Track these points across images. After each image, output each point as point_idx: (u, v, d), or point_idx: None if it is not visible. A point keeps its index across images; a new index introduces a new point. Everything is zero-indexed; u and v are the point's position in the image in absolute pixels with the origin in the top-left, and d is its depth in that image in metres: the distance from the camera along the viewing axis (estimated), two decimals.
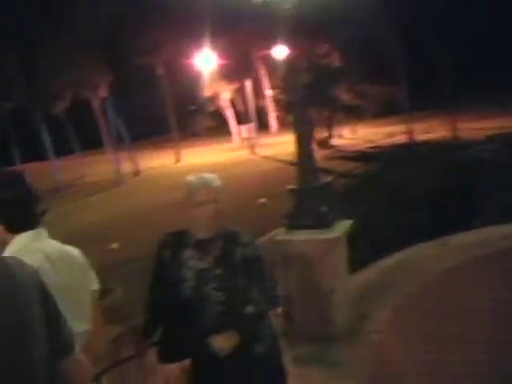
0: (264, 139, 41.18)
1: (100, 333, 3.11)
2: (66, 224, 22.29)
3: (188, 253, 3.56)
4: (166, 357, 3.73)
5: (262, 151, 36.85)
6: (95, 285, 3.05)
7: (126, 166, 35.95)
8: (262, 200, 20.18)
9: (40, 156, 42.80)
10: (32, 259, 2.48)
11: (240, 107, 46.53)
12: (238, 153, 38.52)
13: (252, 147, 38.59)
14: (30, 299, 1.81)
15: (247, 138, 40.84)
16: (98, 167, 38.34)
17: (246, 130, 42.34)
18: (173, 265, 3.57)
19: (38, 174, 39.39)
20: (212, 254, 3.55)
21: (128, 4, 33.98)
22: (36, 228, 2.68)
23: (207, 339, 3.50)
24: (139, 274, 12.49)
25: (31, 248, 2.62)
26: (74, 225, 21.89)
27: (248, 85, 44.03)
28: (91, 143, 45.40)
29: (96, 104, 39.33)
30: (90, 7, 33.34)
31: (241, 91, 44.99)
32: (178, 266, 3.55)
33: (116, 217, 21.53)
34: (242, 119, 45.23)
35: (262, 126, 46.10)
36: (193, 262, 3.54)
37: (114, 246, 16.83)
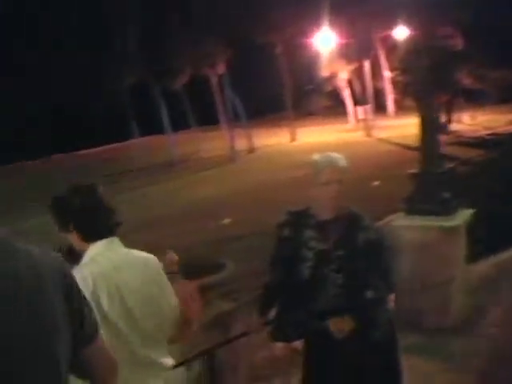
0: (380, 121, 40.45)
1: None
2: (179, 198, 22.84)
3: (309, 233, 3.50)
4: (279, 336, 3.72)
5: (378, 133, 36.25)
6: (174, 301, 3.00)
7: (241, 143, 36.25)
8: (376, 183, 19.86)
9: (158, 130, 43.96)
10: (99, 267, 2.69)
11: (357, 88, 45.87)
12: (354, 134, 38.08)
13: (368, 129, 38.05)
14: (53, 290, 1.79)
15: (363, 120, 40.28)
16: (213, 143, 38.89)
17: (363, 111, 41.76)
18: (293, 244, 3.53)
19: (155, 147, 40.65)
20: (333, 235, 3.48)
21: None
22: (109, 237, 2.79)
23: (323, 321, 3.45)
24: (250, 250, 12.65)
25: (102, 256, 2.73)
26: (186, 199, 22.31)
27: (366, 65, 43.33)
28: (207, 119, 46.08)
29: (214, 80, 39.85)
30: None
31: (359, 72, 44.31)
32: (297, 246, 3.50)
33: (229, 193, 21.76)
34: (358, 100, 44.61)
35: (379, 107, 45.28)
36: (313, 243, 3.47)
37: (226, 221, 17.04)
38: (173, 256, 3.53)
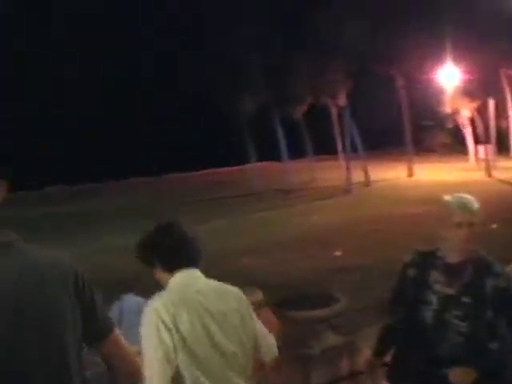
0: (503, 162, 39.11)
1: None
2: (292, 225, 22.92)
3: (435, 275, 3.38)
4: (395, 378, 3.61)
5: (500, 174, 35.03)
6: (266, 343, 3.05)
7: (357, 175, 36.05)
8: (495, 225, 19.14)
9: (274, 156, 44.48)
10: (184, 294, 2.87)
11: (479, 126, 44.61)
12: (473, 173, 36.98)
13: (488, 169, 36.84)
14: (62, 289, 1.98)
15: (484, 159, 39.05)
16: (328, 173, 38.90)
17: (484, 150, 40.49)
18: (417, 285, 3.42)
19: (271, 173, 41.11)
20: (460, 280, 3.34)
21: (375, 14, 34.07)
22: (190, 268, 2.97)
23: (443, 369, 3.30)
24: (360, 283, 12.49)
25: (184, 285, 2.92)
26: (299, 227, 22.37)
27: (491, 104, 42.09)
28: (324, 149, 46.16)
29: (333, 110, 39.91)
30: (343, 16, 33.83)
31: (482, 110, 43.11)
32: (422, 288, 3.39)
33: (342, 224, 21.63)
34: (480, 139, 43.36)
35: (502, 148, 43.82)
36: (439, 287, 3.35)
37: (337, 252, 16.91)
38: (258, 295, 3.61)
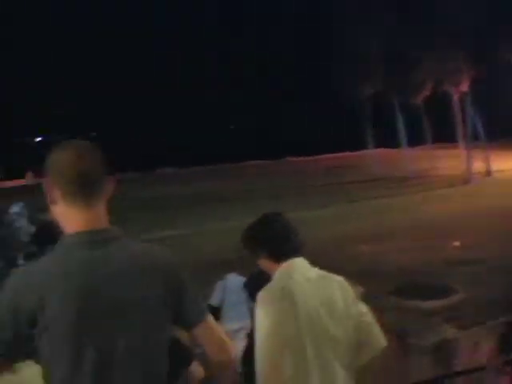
0: None
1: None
2: (410, 213, 22.81)
3: None
4: None
5: None
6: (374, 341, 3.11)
7: (478, 165, 35.14)
8: None
9: (392, 143, 44.07)
10: (291, 283, 3.01)
11: None
12: None
13: None
14: (155, 279, 2.15)
15: None
16: (448, 161, 38.09)
17: None
18: None
19: (389, 160, 40.77)
20: None
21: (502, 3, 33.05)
22: (295, 257, 3.12)
23: None
24: (477, 276, 12.48)
25: (292, 273, 3.05)
26: (417, 215, 22.22)
27: None
28: (444, 136, 45.22)
29: (455, 98, 39.07)
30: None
31: None
32: None
33: (460, 215, 21.29)
34: None
35: None
36: None
37: (455, 243, 16.86)
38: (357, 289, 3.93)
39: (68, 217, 2.18)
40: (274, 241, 3.12)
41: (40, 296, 2.01)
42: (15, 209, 17.86)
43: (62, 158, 2.17)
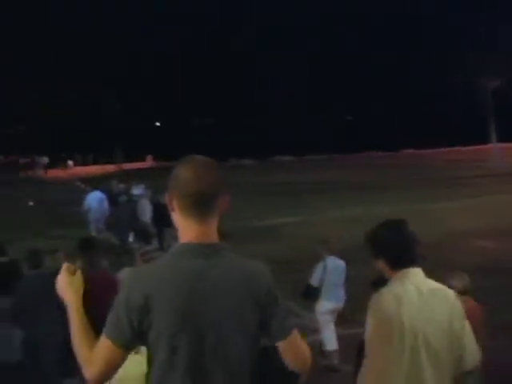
0: None
1: None
2: None
3: None
4: None
5: None
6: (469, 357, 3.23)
7: None
8: None
9: None
10: (403, 291, 3.17)
11: None
12: None
13: None
14: (252, 292, 2.37)
15: None
16: None
17: None
18: None
19: None
20: None
21: None
22: (413, 267, 3.25)
23: None
24: None
25: (405, 282, 3.21)
26: None
27: None
28: None
29: None
30: None
31: None
32: None
33: None
34: None
35: None
36: None
37: None
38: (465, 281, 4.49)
39: (183, 227, 2.45)
40: (393, 249, 3.28)
41: (147, 296, 2.29)
42: (136, 191, 18.48)
43: (182, 173, 2.42)
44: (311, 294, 8.08)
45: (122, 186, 19.47)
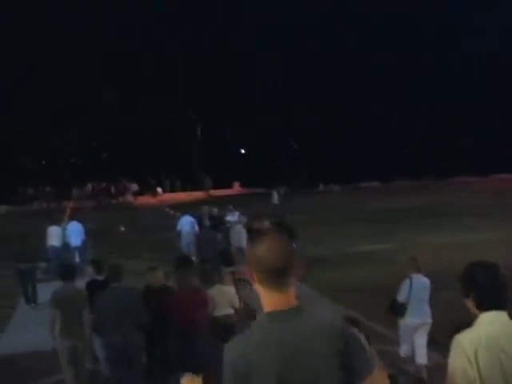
0: None
1: None
2: None
3: None
4: None
5: None
6: None
7: None
8: None
9: None
10: (490, 333, 3.18)
11: None
12: None
13: None
14: (337, 346, 2.59)
15: None
16: None
17: None
18: None
19: None
20: None
21: None
22: (499, 310, 3.27)
23: None
24: None
25: (492, 325, 3.23)
26: None
27: None
28: None
29: None
30: None
31: None
32: None
33: None
34: None
35: None
36: None
37: None
38: None
39: (265, 297, 2.75)
40: (482, 291, 3.31)
41: (246, 362, 2.61)
42: (231, 217, 18.79)
43: (258, 251, 2.73)
44: (397, 310, 8.40)
45: (215, 211, 19.83)
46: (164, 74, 61.28)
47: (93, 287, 9.16)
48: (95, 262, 10.32)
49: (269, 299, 2.73)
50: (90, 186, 51.12)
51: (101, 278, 9.49)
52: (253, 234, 15.31)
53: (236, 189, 55.33)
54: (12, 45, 58.59)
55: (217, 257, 11.60)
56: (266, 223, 15.96)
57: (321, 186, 51.57)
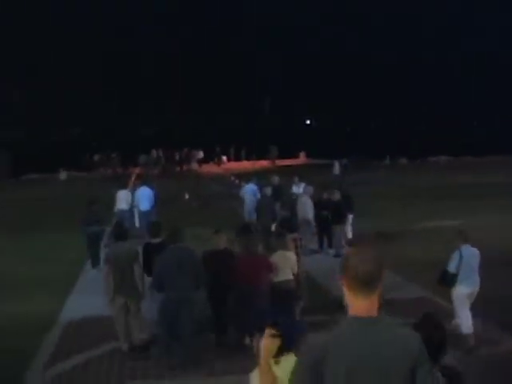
0: None
1: None
2: None
3: None
4: None
5: None
6: None
7: None
8: None
9: None
10: None
11: None
12: None
13: None
14: (408, 357, 2.90)
15: None
16: None
17: None
18: None
19: None
20: None
21: None
22: None
23: None
24: None
25: None
26: None
27: None
28: None
29: None
30: None
31: None
32: None
33: None
34: None
35: None
36: None
37: None
38: None
39: (351, 302, 3.03)
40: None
41: (322, 362, 2.89)
42: (296, 189, 18.50)
43: (349, 259, 3.02)
44: (448, 280, 8.75)
45: (276, 180, 19.52)
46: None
47: (148, 250, 9.67)
48: (154, 224, 10.57)
49: (353, 304, 3.01)
50: (154, 153, 51.33)
51: (156, 240, 9.81)
52: (321, 205, 15.24)
53: (301, 159, 54.97)
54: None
55: (279, 223, 12.28)
56: (337, 195, 15.74)
57: (387, 159, 50.62)
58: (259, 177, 20.41)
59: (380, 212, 21.69)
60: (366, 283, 2.94)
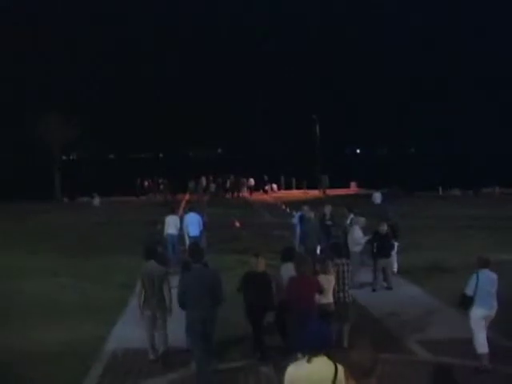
0: None
1: None
2: None
3: None
4: None
5: None
6: None
7: None
8: None
9: None
10: None
11: None
12: None
13: None
14: None
15: None
16: None
17: None
18: None
19: None
20: None
21: None
22: None
23: None
24: None
25: None
26: None
27: None
28: None
29: None
30: None
31: None
32: None
33: None
34: None
35: None
36: None
37: None
38: None
39: None
40: None
41: None
42: (347, 220, 18.16)
43: (352, 356, 4.30)
44: (466, 303, 9.20)
45: (327, 210, 19.19)
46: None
47: (184, 268, 10.40)
48: (196, 249, 10.44)
49: None
50: (204, 180, 51.61)
51: (197, 266, 10.11)
52: (376, 236, 14.93)
53: (352, 189, 54.65)
54: None
55: (328, 248, 12.53)
56: (384, 227, 15.36)
57: (440, 190, 49.88)
58: (311, 205, 20.06)
59: (435, 245, 21.23)
60: (365, 375, 4.26)
